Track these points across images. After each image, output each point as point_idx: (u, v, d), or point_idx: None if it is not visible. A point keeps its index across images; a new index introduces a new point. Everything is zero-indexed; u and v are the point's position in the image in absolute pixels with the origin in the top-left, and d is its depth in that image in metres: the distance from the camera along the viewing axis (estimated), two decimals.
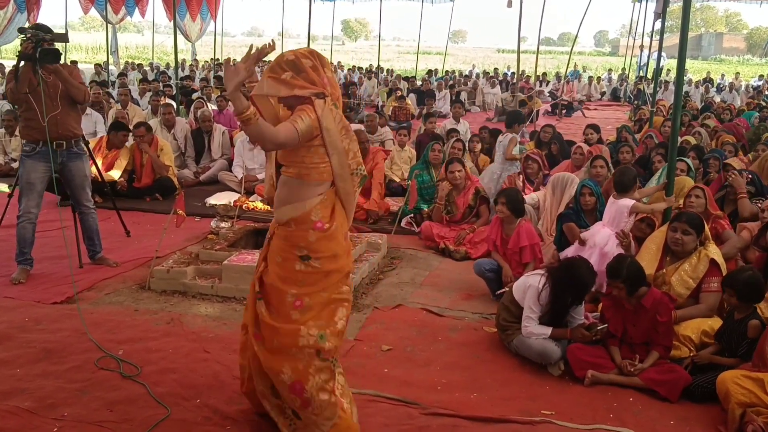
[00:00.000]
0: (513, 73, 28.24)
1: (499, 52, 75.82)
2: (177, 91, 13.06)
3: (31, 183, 5.17)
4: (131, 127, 8.45)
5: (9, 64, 19.27)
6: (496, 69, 30.86)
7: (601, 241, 5.02)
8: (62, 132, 5.14)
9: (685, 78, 5.47)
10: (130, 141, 8.34)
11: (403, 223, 7.08)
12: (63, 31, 5.38)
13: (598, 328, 3.98)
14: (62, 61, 5.07)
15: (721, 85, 27.53)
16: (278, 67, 2.86)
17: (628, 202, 5.13)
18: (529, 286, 4.15)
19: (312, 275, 2.95)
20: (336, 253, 2.98)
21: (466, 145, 8.73)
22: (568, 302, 4.06)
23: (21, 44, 4.91)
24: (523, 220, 5.34)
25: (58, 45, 4.99)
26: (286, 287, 2.94)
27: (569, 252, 5.22)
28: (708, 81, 26.67)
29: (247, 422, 3.30)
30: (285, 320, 2.93)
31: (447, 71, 28.41)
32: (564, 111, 19.93)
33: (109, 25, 21.40)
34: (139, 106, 12.37)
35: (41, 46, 4.86)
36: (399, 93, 16.94)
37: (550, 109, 20.24)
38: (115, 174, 7.82)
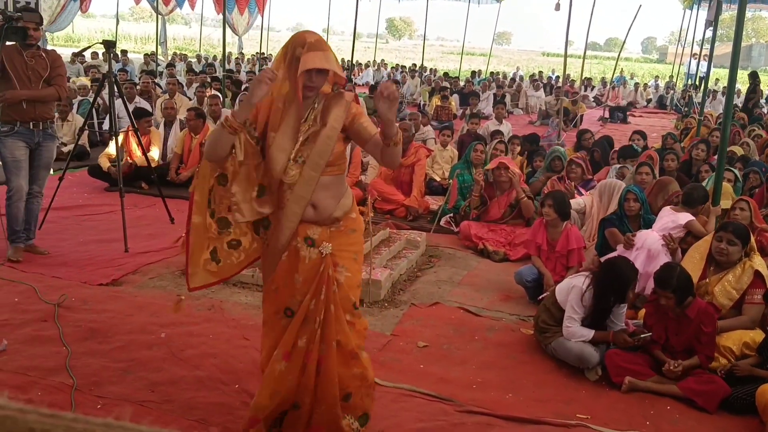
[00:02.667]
0: (558, 77, 27.99)
1: (544, 55, 75.16)
2: (223, 83, 13.23)
3: (17, 160, 5.20)
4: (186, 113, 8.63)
5: (61, 51, 19.79)
6: (540, 72, 30.61)
7: (649, 243, 4.97)
8: (39, 113, 5.19)
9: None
10: (174, 127, 8.52)
11: (442, 222, 7.08)
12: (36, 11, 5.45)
13: (641, 336, 3.95)
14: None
15: None
16: (323, 44, 2.72)
17: (686, 216, 5.08)
18: (573, 287, 4.12)
19: None
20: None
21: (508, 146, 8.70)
22: (611, 301, 4.03)
23: None
24: (569, 224, 5.32)
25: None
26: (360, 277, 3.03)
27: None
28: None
29: None
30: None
31: (491, 73, 28.27)
32: (619, 116, 19.68)
33: (159, 16, 21.79)
34: (186, 96, 12.57)
35: (10, 23, 4.91)
36: (445, 93, 16.90)
37: (607, 114, 19.95)
38: (155, 153, 7.98)
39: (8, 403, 0.67)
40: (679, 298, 3.87)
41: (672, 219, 5.13)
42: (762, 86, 30.01)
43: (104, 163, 7.81)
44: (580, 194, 6.83)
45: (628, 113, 20.32)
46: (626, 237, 5.15)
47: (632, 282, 4.07)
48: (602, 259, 5.15)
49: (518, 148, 8.87)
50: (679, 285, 3.86)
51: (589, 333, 4.02)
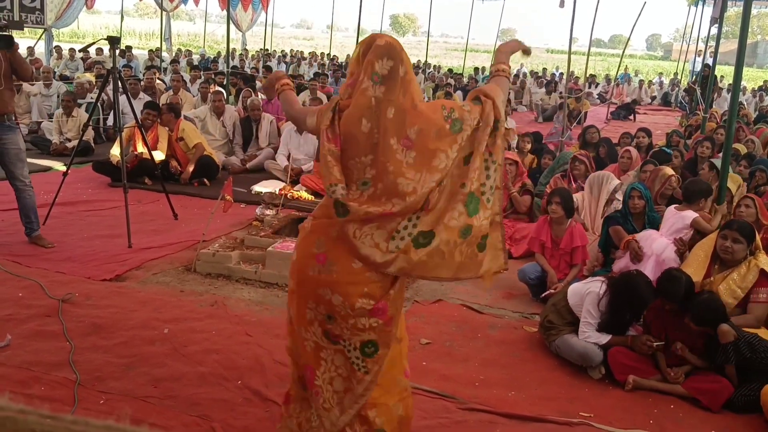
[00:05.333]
0: (561, 74, 27.89)
1: (548, 52, 74.93)
2: (228, 79, 13.22)
3: None
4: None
5: (66, 46, 19.79)
6: (544, 69, 30.53)
7: (658, 249, 4.92)
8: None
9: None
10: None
11: None
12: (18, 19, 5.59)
13: (656, 344, 3.93)
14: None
15: None
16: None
17: (690, 214, 5.04)
18: (589, 292, 4.08)
19: None
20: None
21: (513, 143, 8.66)
22: (626, 318, 4.02)
23: None
24: (574, 221, 5.30)
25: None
26: None
27: (621, 263, 5.15)
28: (763, 89, 25.97)
29: None
30: None
31: None
32: (622, 113, 19.65)
33: (164, 13, 21.79)
34: (190, 92, 12.57)
35: None
36: (448, 89, 16.88)
37: (612, 110, 19.93)
38: (158, 155, 7.94)
39: (9, 405, 0.67)
40: (684, 305, 3.87)
41: (677, 219, 5.08)
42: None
43: (115, 158, 7.80)
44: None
45: (634, 109, 20.25)
46: (633, 248, 5.05)
47: (649, 303, 4.01)
48: (621, 272, 5.12)
49: (529, 146, 8.77)
50: (686, 294, 3.87)
51: (605, 337, 3.99)
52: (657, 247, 4.94)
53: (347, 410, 2.54)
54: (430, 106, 2.46)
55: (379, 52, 2.38)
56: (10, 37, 5.11)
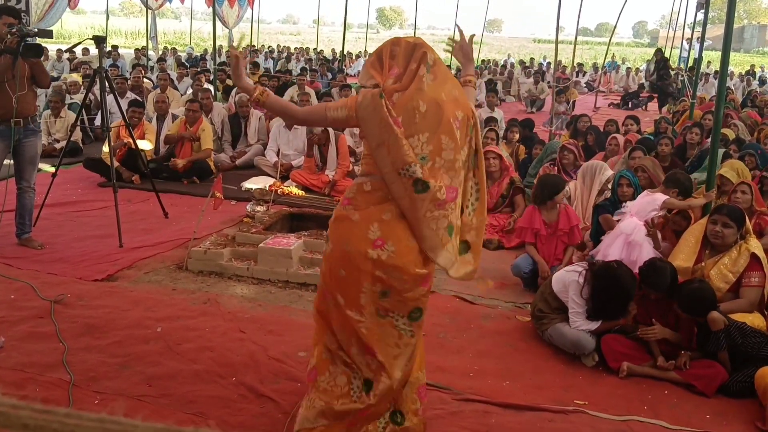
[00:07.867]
0: (549, 63, 27.93)
1: (535, 41, 75.04)
2: (215, 76, 13.17)
3: None
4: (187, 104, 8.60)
5: (52, 47, 19.64)
6: (532, 59, 30.56)
7: (626, 229, 4.89)
8: (21, 109, 5.25)
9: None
10: (167, 121, 8.45)
11: None
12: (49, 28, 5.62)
13: (648, 330, 3.94)
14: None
15: (763, 78, 26.93)
16: (376, 56, 2.79)
17: (661, 196, 5.05)
18: (570, 282, 4.11)
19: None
20: (332, 238, 2.78)
21: (501, 134, 8.67)
22: (612, 307, 4.03)
23: (7, 36, 5.04)
24: (562, 204, 5.33)
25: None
26: None
27: (604, 243, 5.17)
28: (750, 74, 26.10)
29: (281, 401, 3.36)
30: None
31: (483, 60, 28.19)
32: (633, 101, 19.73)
33: (149, 11, 21.64)
34: (177, 90, 12.51)
35: (26, 41, 5.02)
36: None
37: (618, 101, 19.99)
38: (146, 145, 7.91)
39: (2, 399, 0.66)
40: (670, 294, 3.89)
41: (649, 200, 5.05)
42: (756, 68, 30.19)
43: (107, 155, 7.79)
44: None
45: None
46: (608, 222, 5.11)
47: (633, 293, 4.02)
48: (600, 261, 5.14)
49: (517, 136, 8.77)
50: (671, 283, 3.90)
51: (595, 324, 4.01)
52: (626, 226, 4.90)
53: (403, 371, 2.80)
54: (463, 95, 2.81)
55: (427, 47, 2.75)
56: (40, 46, 5.17)
